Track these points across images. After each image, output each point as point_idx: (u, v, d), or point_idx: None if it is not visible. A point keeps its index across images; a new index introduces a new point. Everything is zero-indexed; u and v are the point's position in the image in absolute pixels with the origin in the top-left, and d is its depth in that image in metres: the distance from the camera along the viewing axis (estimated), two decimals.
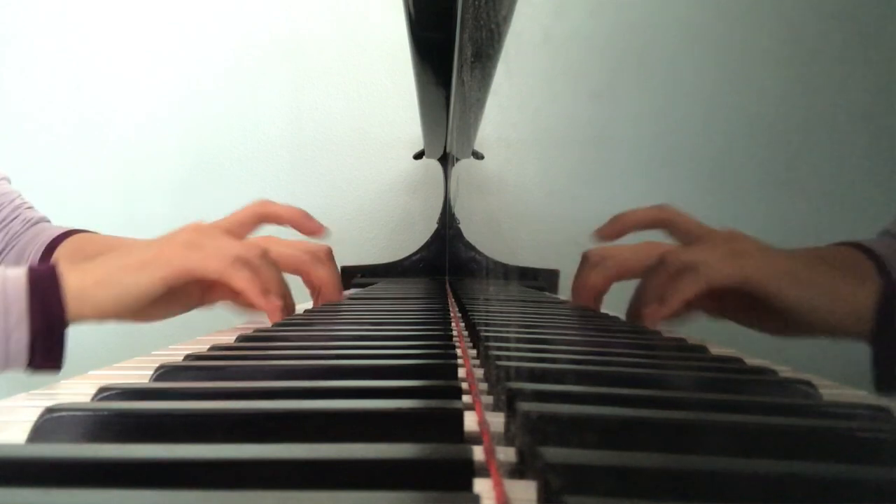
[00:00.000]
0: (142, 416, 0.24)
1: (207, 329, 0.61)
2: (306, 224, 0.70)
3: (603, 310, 0.71)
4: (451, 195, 1.30)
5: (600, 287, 0.66)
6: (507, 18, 0.48)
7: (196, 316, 0.62)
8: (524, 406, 0.23)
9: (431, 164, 1.34)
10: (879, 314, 0.43)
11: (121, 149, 1.52)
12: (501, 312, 0.61)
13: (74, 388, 0.35)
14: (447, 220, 1.29)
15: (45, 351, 0.49)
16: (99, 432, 0.23)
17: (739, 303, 0.50)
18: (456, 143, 1.05)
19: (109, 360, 0.43)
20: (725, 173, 1.43)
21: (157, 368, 0.34)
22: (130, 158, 1.52)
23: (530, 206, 1.45)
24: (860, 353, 0.46)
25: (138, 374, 0.39)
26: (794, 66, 1.44)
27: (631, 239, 0.66)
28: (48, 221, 0.87)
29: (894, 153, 1.41)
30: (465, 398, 0.29)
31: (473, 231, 1.29)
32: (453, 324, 0.54)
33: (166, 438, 0.23)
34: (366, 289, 1.09)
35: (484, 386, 0.33)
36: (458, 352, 0.39)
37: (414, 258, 1.30)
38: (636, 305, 0.55)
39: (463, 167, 1.31)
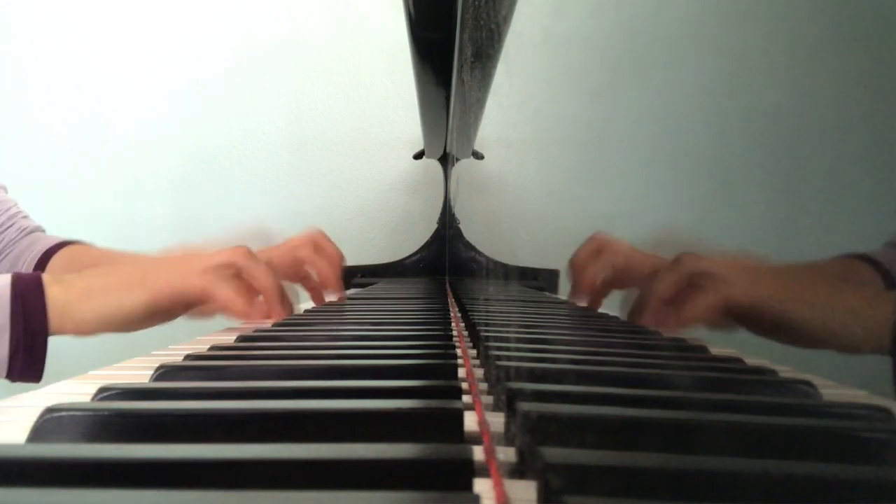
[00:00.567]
0: (142, 416, 0.24)
1: (207, 329, 0.61)
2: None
3: (602, 310, 0.71)
4: (451, 195, 1.30)
5: (601, 266, 0.64)
6: (507, 18, 0.48)
7: None
8: (524, 406, 0.23)
9: (431, 164, 1.34)
10: None
11: (121, 149, 1.52)
12: (501, 312, 0.61)
13: (74, 388, 0.35)
14: (447, 220, 1.29)
15: (26, 361, 0.49)
16: (99, 432, 0.23)
17: (753, 318, 0.50)
18: (456, 143, 1.05)
19: (109, 360, 0.42)
20: (725, 173, 1.43)
21: (157, 368, 0.34)
22: (130, 158, 1.52)
23: (530, 206, 1.45)
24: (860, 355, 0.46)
25: (138, 374, 0.39)
26: (793, 66, 1.43)
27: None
28: (43, 231, 0.88)
29: (894, 153, 1.41)
30: (465, 398, 0.29)
31: (473, 231, 1.29)
32: (453, 324, 0.54)
33: (166, 438, 0.23)
34: (366, 289, 1.09)
35: (484, 386, 0.33)
36: (458, 352, 0.39)
37: (414, 258, 1.30)
38: (642, 304, 0.55)
39: (463, 167, 1.31)
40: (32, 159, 1.53)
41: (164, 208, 1.51)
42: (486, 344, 0.38)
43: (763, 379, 0.35)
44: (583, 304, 0.72)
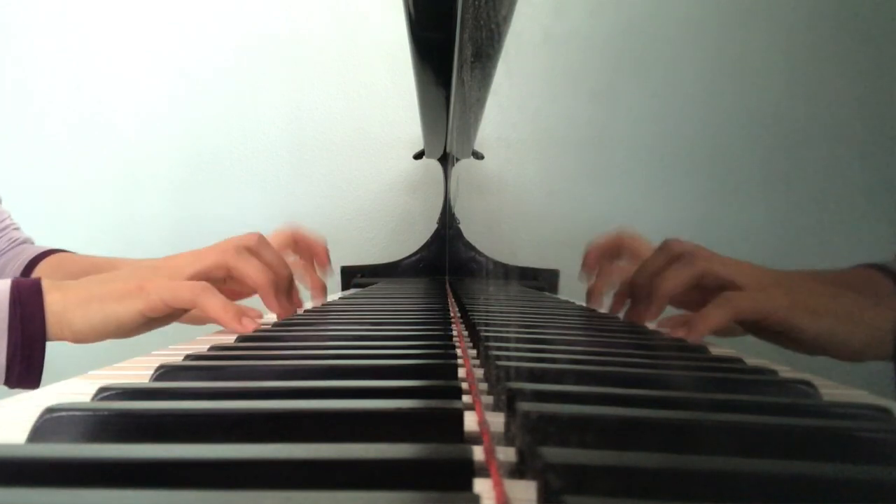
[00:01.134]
0: (142, 416, 0.24)
1: (207, 329, 0.61)
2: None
3: (602, 310, 0.71)
4: (451, 195, 1.30)
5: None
6: (507, 18, 0.48)
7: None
8: (524, 406, 0.23)
9: (431, 164, 1.34)
10: None
11: (121, 149, 1.52)
12: (501, 312, 0.61)
13: (74, 388, 0.35)
14: (447, 220, 1.29)
15: (23, 368, 0.49)
16: (99, 432, 0.23)
17: (761, 326, 0.50)
18: (456, 143, 1.05)
19: (109, 360, 0.42)
20: (725, 173, 1.43)
21: (157, 368, 0.34)
22: (130, 158, 1.52)
23: (530, 206, 1.45)
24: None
25: (138, 374, 0.39)
26: (793, 66, 1.43)
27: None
28: (32, 243, 0.89)
29: (894, 154, 1.41)
30: (465, 398, 0.29)
31: (473, 231, 1.29)
32: (453, 324, 0.54)
33: (166, 438, 0.23)
34: (366, 289, 1.09)
35: (484, 386, 0.33)
36: (458, 352, 0.39)
37: (414, 258, 1.30)
38: (648, 300, 0.55)
39: (463, 167, 1.31)
40: (33, 159, 1.53)
41: (164, 208, 1.51)
42: (486, 344, 0.38)
43: (763, 379, 0.35)
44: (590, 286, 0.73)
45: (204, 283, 0.53)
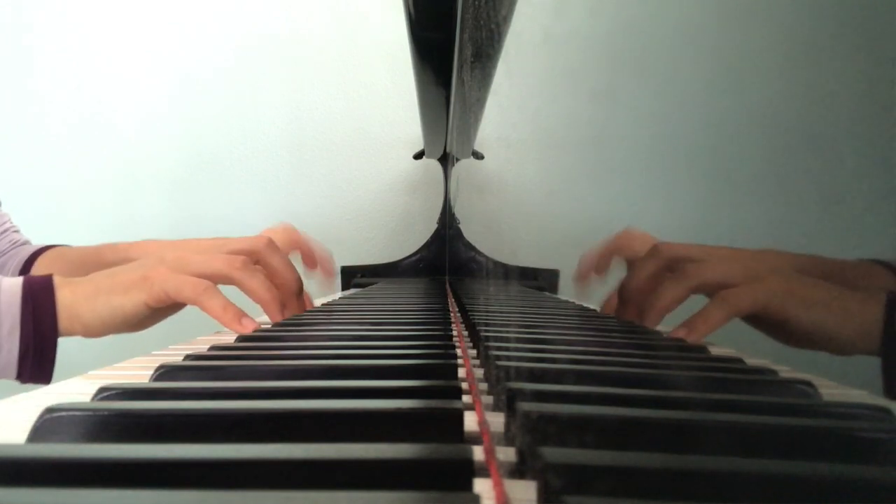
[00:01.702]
0: (142, 416, 0.24)
1: (207, 329, 0.61)
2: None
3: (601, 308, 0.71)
4: (451, 195, 1.30)
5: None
6: (507, 18, 0.48)
7: (196, 316, 0.62)
8: (524, 406, 0.23)
9: (431, 164, 1.34)
10: (886, 325, 0.44)
11: (121, 149, 1.53)
12: (501, 312, 0.61)
13: (74, 388, 0.35)
14: (447, 220, 1.29)
15: (35, 363, 0.49)
16: (99, 432, 0.23)
17: (758, 318, 0.50)
18: (456, 143, 1.05)
19: (109, 360, 0.43)
20: (725, 173, 1.43)
21: (157, 368, 0.34)
22: (130, 158, 1.52)
23: (530, 206, 1.45)
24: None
25: (138, 374, 0.39)
26: (792, 66, 1.44)
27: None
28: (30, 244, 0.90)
29: (893, 153, 1.41)
30: (466, 398, 0.29)
31: (473, 231, 1.29)
32: (453, 324, 0.54)
33: (166, 438, 0.23)
34: (366, 289, 1.09)
35: (484, 386, 0.33)
36: (458, 352, 0.39)
37: (414, 258, 1.30)
38: (641, 310, 0.55)
39: (463, 167, 1.31)
40: (33, 159, 1.53)
41: (164, 208, 1.51)
42: (486, 344, 0.38)
43: (763, 379, 0.35)
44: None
45: (207, 282, 0.53)
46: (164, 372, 0.33)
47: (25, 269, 0.80)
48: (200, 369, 0.34)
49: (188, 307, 0.57)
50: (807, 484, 0.18)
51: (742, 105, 1.43)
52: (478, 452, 0.22)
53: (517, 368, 0.30)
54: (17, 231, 0.90)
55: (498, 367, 0.31)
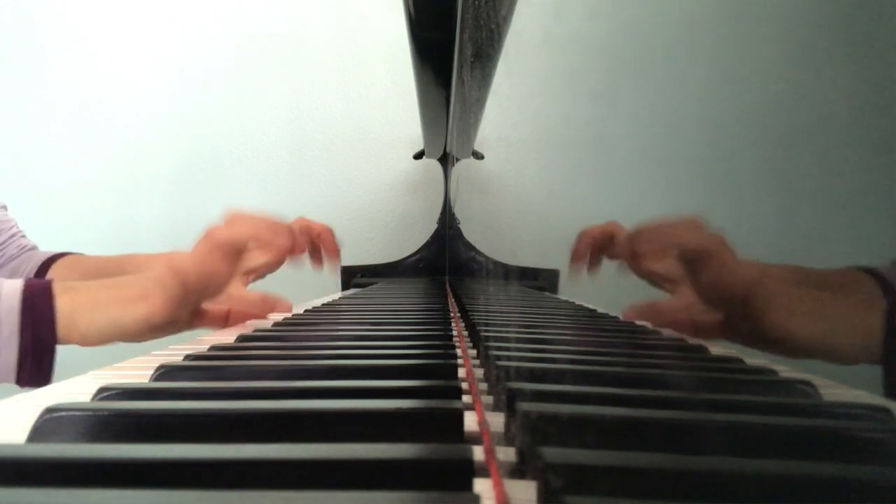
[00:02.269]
0: (142, 416, 0.24)
1: (207, 329, 0.61)
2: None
3: (602, 310, 0.71)
4: (451, 195, 1.30)
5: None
6: (507, 18, 0.48)
7: None
8: (524, 406, 0.23)
9: (431, 164, 1.34)
10: (888, 334, 0.44)
11: (121, 149, 1.53)
12: (501, 312, 0.61)
13: (74, 388, 0.35)
14: (447, 220, 1.29)
15: (34, 369, 0.49)
16: (99, 432, 0.23)
17: (757, 336, 0.50)
18: (456, 143, 1.05)
19: (109, 360, 0.42)
20: (724, 173, 1.44)
21: (157, 368, 0.34)
22: (131, 159, 1.52)
23: (530, 206, 1.45)
24: None
25: (138, 374, 0.39)
26: (792, 66, 1.44)
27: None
28: (38, 249, 0.90)
29: (893, 153, 1.41)
30: (465, 398, 0.29)
31: (473, 231, 1.29)
32: (453, 324, 0.54)
33: (166, 438, 0.23)
34: (366, 289, 1.09)
35: (484, 386, 0.33)
36: (458, 352, 0.39)
37: (414, 258, 1.30)
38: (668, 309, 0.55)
39: (463, 167, 1.31)
40: (33, 159, 1.53)
41: (164, 208, 1.51)
42: (486, 344, 0.38)
43: (763, 379, 0.35)
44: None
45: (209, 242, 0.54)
46: (164, 372, 0.33)
47: (39, 275, 0.80)
48: (200, 369, 0.34)
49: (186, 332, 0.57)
50: (807, 484, 0.18)
51: (742, 105, 1.43)
52: (478, 452, 0.22)
53: (517, 368, 0.30)
54: (23, 236, 0.90)
55: (498, 367, 0.31)
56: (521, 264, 1.27)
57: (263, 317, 0.65)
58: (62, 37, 1.53)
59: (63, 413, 0.24)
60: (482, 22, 0.48)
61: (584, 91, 1.45)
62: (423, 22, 0.52)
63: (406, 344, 0.42)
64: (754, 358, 0.44)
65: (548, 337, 0.48)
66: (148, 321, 0.52)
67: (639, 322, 0.60)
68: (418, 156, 1.32)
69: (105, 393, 0.28)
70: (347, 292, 1.10)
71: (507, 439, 0.25)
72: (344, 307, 0.71)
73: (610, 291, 0.71)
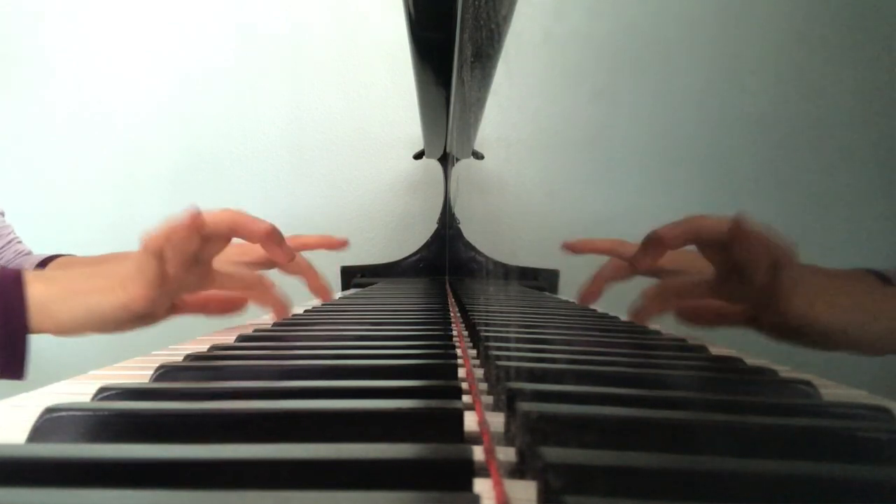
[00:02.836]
0: (141, 416, 0.24)
1: (207, 329, 0.61)
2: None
3: (603, 310, 0.71)
4: (451, 195, 1.30)
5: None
6: (507, 18, 0.48)
7: (196, 316, 0.62)
8: (524, 406, 0.23)
9: (431, 164, 1.34)
10: None
11: (121, 149, 1.53)
12: (501, 312, 0.61)
13: (74, 388, 0.35)
14: (447, 220, 1.29)
15: (8, 359, 0.48)
16: (99, 432, 0.23)
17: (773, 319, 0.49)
18: (456, 143, 1.05)
19: (109, 360, 0.42)
20: (724, 173, 1.44)
21: (157, 368, 0.34)
22: (131, 159, 1.52)
23: (530, 206, 1.45)
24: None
25: (138, 374, 0.39)
26: (791, 66, 1.44)
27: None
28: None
29: (893, 153, 1.41)
30: (465, 398, 0.29)
31: (473, 231, 1.29)
32: (453, 324, 0.54)
33: (166, 438, 0.23)
34: (366, 289, 1.09)
35: (484, 386, 0.33)
36: (458, 352, 0.39)
37: (414, 258, 1.30)
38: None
39: (463, 167, 1.31)
40: (33, 159, 1.53)
41: (163, 208, 1.50)
42: (486, 344, 0.38)
43: (763, 379, 0.35)
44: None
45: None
46: (164, 372, 0.33)
47: None
48: (200, 369, 0.34)
49: (174, 323, 0.56)
50: (807, 484, 0.18)
51: (741, 105, 1.43)
52: (478, 452, 0.22)
53: (517, 368, 0.30)
54: (20, 242, 0.90)
55: (498, 367, 0.31)
56: (521, 264, 1.27)
57: (253, 300, 0.62)
58: (62, 37, 1.53)
59: (63, 413, 0.24)
60: (482, 22, 0.48)
61: (584, 91, 1.45)
62: (423, 22, 0.52)
63: (406, 344, 0.42)
64: (754, 358, 0.44)
65: (548, 337, 0.48)
66: (126, 308, 0.50)
67: (656, 314, 0.59)
68: (418, 156, 1.32)
69: (105, 393, 0.28)
70: (347, 292, 1.10)
71: (507, 439, 0.25)
72: (344, 307, 0.71)
73: (610, 291, 0.71)
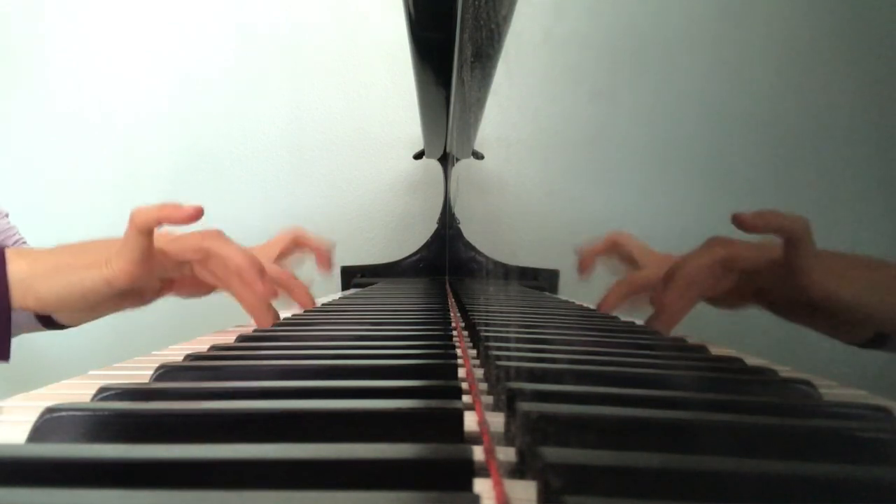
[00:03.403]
0: (141, 416, 0.24)
1: (207, 329, 0.61)
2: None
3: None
4: (451, 195, 1.30)
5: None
6: (507, 18, 0.48)
7: (196, 316, 0.62)
8: (524, 406, 0.23)
9: (431, 164, 1.34)
10: None
11: (121, 149, 1.52)
12: (501, 312, 0.61)
13: (74, 388, 0.35)
14: (447, 220, 1.29)
15: None
16: (99, 432, 0.23)
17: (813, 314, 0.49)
18: (456, 143, 1.05)
19: (109, 360, 0.42)
20: (724, 173, 1.43)
21: (157, 368, 0.34)
22: (130, 159, 1.52)
23: (530, 206, 1.45)
24: (860, 354, 0.46)
25: (138, 374, 0.39)
26: (791, 66, 1.44)
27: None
28: None
29: (893, 153, 1.41)
30: (465, 398, 0.29)
31: (473, 231, 1.29)
32: (453, 324, 0.54)
33: (166, 438, 0.23)
34: (366, 289, 1.09)
35: (484, 386, 0.33)
36: (458, 352, 0.39)
37: (414, 258, 1.30)
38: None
39: (463, 167, 1.31)
40: (33, 159, 1.53)
41: None
42: (486, 344, 0.38)
43: (763, 379, 0.35)
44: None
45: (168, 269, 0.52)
46: (164, 372, 0.33)
47: None
48: (200, 369, 0.34)
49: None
50: (807, 484, 0.18)
51: (741, 105, 1.43)
52: (478, 452, 0.22)
53: (517, 368, 0.30)
54: (25, 243, 0.90)
55: (498, 367, 0.31)
56: (521, 264, 1.27)
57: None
58: (62, 37, 1.53)
59: (63, 413, 0.24)
60: (482, 22, 0.48)
61: (584, 91, 1.45)
62: (423, 22, 0.52)
63: (406, 344, 0.42)
64: (754, 358, 0.44)
65: (548, 337, 0.48)
66: (108, 283, 0.50)
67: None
68: (418, 156, 1.32)
69: (105, 393, 0.28)
70: (347, 292, 1.10)
71: (507, 439, 0.25)
72: (344, 307, 0.71)
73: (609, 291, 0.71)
